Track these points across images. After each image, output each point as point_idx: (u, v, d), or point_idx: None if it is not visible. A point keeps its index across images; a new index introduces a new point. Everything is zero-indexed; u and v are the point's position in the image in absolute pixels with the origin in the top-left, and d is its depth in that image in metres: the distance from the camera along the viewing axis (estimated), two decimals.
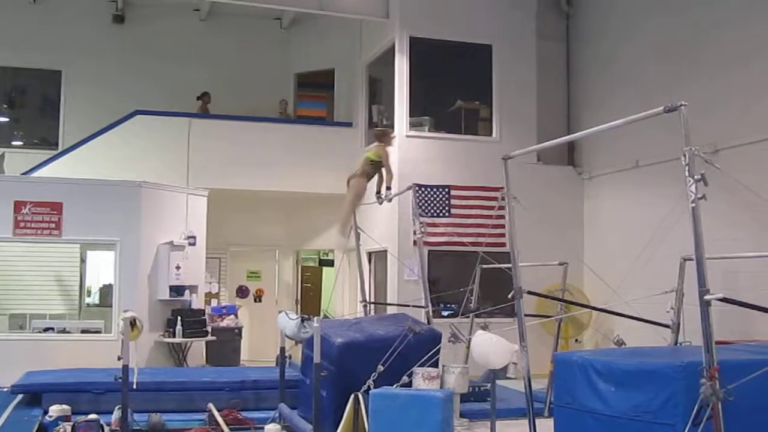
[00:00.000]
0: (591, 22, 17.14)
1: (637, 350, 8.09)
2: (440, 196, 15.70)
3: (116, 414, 9.37)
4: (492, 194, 14.54)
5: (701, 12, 13.82)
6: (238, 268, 19.33)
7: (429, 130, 16.21)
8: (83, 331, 14.44)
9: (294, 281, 19.86)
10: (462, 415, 10.44)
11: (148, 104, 17.42)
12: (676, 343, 9.30)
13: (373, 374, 9.16)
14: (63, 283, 15.71)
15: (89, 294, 16.22)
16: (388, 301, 15.17)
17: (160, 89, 18.47)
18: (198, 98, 18.54)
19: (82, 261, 15.90)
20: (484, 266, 12.31)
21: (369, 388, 9.02)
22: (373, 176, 12.21)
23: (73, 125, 18.31)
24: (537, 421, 7.76)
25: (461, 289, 12.54)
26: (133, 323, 8.92)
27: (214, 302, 17.20)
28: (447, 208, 15.73)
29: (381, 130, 12.77)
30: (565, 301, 11.77)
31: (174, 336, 14.40)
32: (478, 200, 15.61)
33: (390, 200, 12.61)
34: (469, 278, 12.52)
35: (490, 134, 16.48)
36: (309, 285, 20.70)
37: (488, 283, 12.68)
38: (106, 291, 15.49)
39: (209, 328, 15.30)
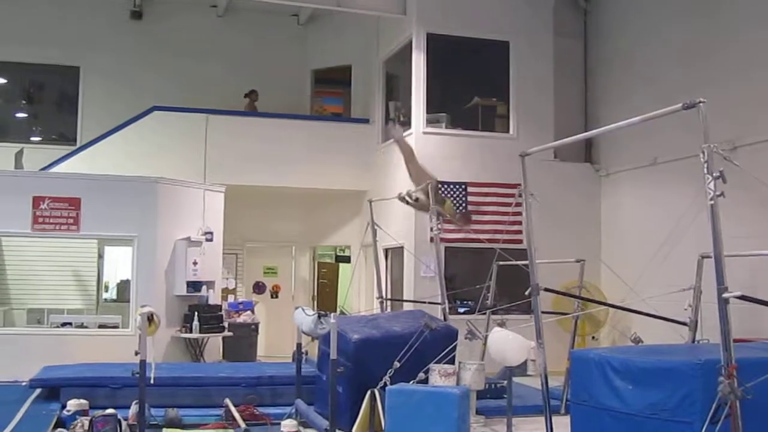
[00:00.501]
0: (609, 18, 17.06)
1: (654, 348, 8.07)
2: (457, 192, 15.68)
3: (133, 409, 9.41)
4: (509, 191, 14.49)
5: (721, 10, 13.74)
6: (254, 264, 19.38)
7: (446, 127, 16.17)
8: (101, 326, 14.53)
9: (310, 277, 19.88)
10: (478, 412, 10.44)
11: (165, 100, 17.46)
12: (693, 341, 9.27)
13: (390, 371, 9.18)
14: (81, 279, 15.78)
15: (107, 289, 16.31)
16: (405, 298, 15.17)
17: (178, 85, 18.49)
18: (245, 96, 18.71)
19: (100, 256, 15.97)
20: (501, 263, 12.29)
21: (385, 385, 9.04)
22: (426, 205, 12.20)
23: (91, 121, 18.35)
24: (553, 418, 7.74)
25: (478, 286, 12.54)
26: (150, 318, 8.96)
27: (230, 298, 17.25)
28: (464, 204, 15.70)
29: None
30: (582, 299, 11.75)
31: (191, 331, 14.45)
32: (495, 197, 15.58)
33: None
34: (486, 275, 12.51)
35: (507, 131, 16.44)
36: (325, 281, 20.70)
37: (505, 280, 12.65)
38: (123, 286, 15.57)
39: (226, 324, 15.34)
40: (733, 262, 6.40)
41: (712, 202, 5.62)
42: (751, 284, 7.21)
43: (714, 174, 5.59)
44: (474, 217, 15.25)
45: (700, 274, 9.26)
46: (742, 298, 5.78)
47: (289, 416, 9.95)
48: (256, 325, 16.27)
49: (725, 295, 5.57)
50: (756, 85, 12.76)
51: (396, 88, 17.87)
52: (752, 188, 7.65)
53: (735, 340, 5.62)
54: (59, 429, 9.33)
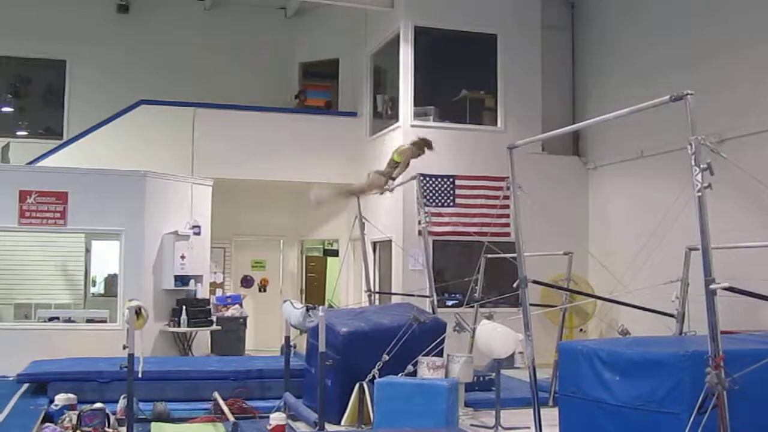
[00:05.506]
0: (596, 10, 17.06)
1: (641, 339, 8.09)
2: (445, 185, 15.68)
3: (122, 403, 9.40)
4: (497, 184, 14.52)
5: (707, 2, 13.75)
6: (242, 258, 19.34)
7: (434, 120, 16.15)
8: (88, 321, 14.47)
9: (298, 271, 19.86)
10: (467, 405, 10.47)
11: (152, 94, 17.42)
12: (680, 333, 9.30)
13: (378, 363, 9.20)
14: (68, 273, 15.71)
15: (94, 283, 16.24)
16: (393, 291, 15.17)
17: (165, 79, 18.45)
18: (295, 97, 19.03)
19: (87, 251, 15.90)
20: (489, 256, 12.31)
21: (374, 377, 9.05)
22: (387, 180, 12.23)
23: (77, 115, 18.30)
24: (542, 410, 7.76)
25: (466, 279, 12.56)
26: (138, 312, 8.93)
27: (218, 292, 17.22)
28: (452, 197, 15.71)
29: (424, 141, 12.43)
30: (570, 291, 11.78)
31: (179, 325, 14.45)
32: (483, 190, 15.58)
33: (392, 190, 12.65)
34: (474, 268, 12.53)
35: (495, 124, 16.44)
36: (313, 275, 20.68)
37: (493, 272, 12.68)
38: (111, 280, 15.52)
39: (214, 318, 15.33)
40: (720, 254, 6.42)
41: (700, 194, 5.63)
42: (738, 276, 7.22)
43: (702, 166, 5.60)
44: (463, 211, 15.28)
45: (688, 266, 9.29)
46: (730, 289, 5.80)
47: (278, 409, 9.93)
48: (244, 318, 16.26)
49: (712, 286, 5.58)
50: (744, 75, 12.76)
51: (384, 81, 17.85)
52: (740, 180, 7.68)
53: (722, 332, 5.64)
54: (47, 423, 9.30)
